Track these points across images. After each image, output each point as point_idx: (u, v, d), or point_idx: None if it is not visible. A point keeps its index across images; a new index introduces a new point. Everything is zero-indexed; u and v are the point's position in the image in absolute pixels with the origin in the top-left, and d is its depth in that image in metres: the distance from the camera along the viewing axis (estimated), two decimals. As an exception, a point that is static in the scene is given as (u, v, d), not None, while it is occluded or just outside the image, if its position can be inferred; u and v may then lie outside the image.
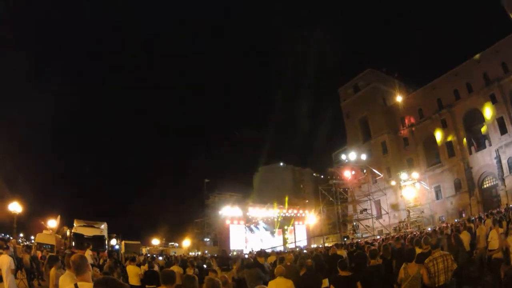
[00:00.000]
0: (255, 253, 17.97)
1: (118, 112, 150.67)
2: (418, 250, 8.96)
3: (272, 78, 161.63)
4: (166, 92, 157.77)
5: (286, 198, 51.02)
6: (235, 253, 32.71)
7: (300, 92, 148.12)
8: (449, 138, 50.05)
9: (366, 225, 47.48)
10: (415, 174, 51.30)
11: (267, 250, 30.35)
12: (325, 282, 8.29)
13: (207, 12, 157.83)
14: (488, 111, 44.64)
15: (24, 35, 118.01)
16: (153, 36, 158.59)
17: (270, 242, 43.52)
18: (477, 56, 46.72)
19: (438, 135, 51.63)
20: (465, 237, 12.74)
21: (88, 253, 17.91)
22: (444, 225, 31.44)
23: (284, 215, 47.48)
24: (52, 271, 8.43)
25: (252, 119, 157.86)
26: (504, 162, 42.01)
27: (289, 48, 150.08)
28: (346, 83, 68.38)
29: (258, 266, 10.56)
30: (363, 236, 44.35)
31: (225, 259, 14.12)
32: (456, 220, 35.39)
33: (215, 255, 27.17)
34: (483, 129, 46.26)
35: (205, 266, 13.76)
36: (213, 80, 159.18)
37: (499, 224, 12.06)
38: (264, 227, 45.28)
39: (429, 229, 30.93)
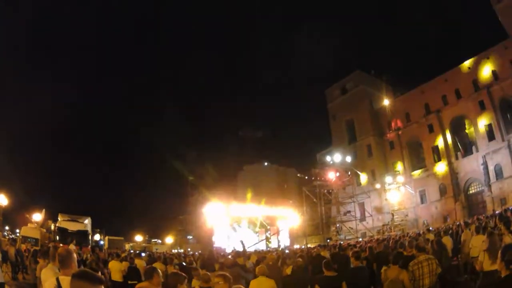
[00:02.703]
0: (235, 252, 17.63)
1: (107, 109, 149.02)
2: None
3: (258, 78, 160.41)
4: (156, 92, 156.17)
5: (270, 198, 50.75)
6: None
7: (286, 92, 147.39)
8: (436, 143, 50.18)
9: (349, 227, 47.50)
10: (400, 178, 51.50)
11: (249, 249, 30.15)
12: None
13: (205, 13, 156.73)
14: (476, 118, 44.76)
15: (23, 35, 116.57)
16: (150, 35, 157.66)
17: (253, 241, 43.21)
18: (466, 63, 46.96)
19: (425, 140, 51.77)
20: (447, 242, 12.62)
21: (72, 248, 17.56)
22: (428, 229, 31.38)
23: (267, 214, 47.22)
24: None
25: (237, 119, 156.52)
26: (491, 168, 42.20)
27: (276, 49, 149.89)
28: (333, 84, 68.08)
29: (238, 265, 10.29)
30: (346, 238, 44.34)
31: (211, 261, 13.62)
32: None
33: (198, 253, 26.79)
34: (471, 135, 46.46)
35: (184, 264, 13.28)
36: (204, 79, 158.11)
37: (482, 231, 11.86)
38: (246, 226, 44.93)
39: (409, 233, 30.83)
